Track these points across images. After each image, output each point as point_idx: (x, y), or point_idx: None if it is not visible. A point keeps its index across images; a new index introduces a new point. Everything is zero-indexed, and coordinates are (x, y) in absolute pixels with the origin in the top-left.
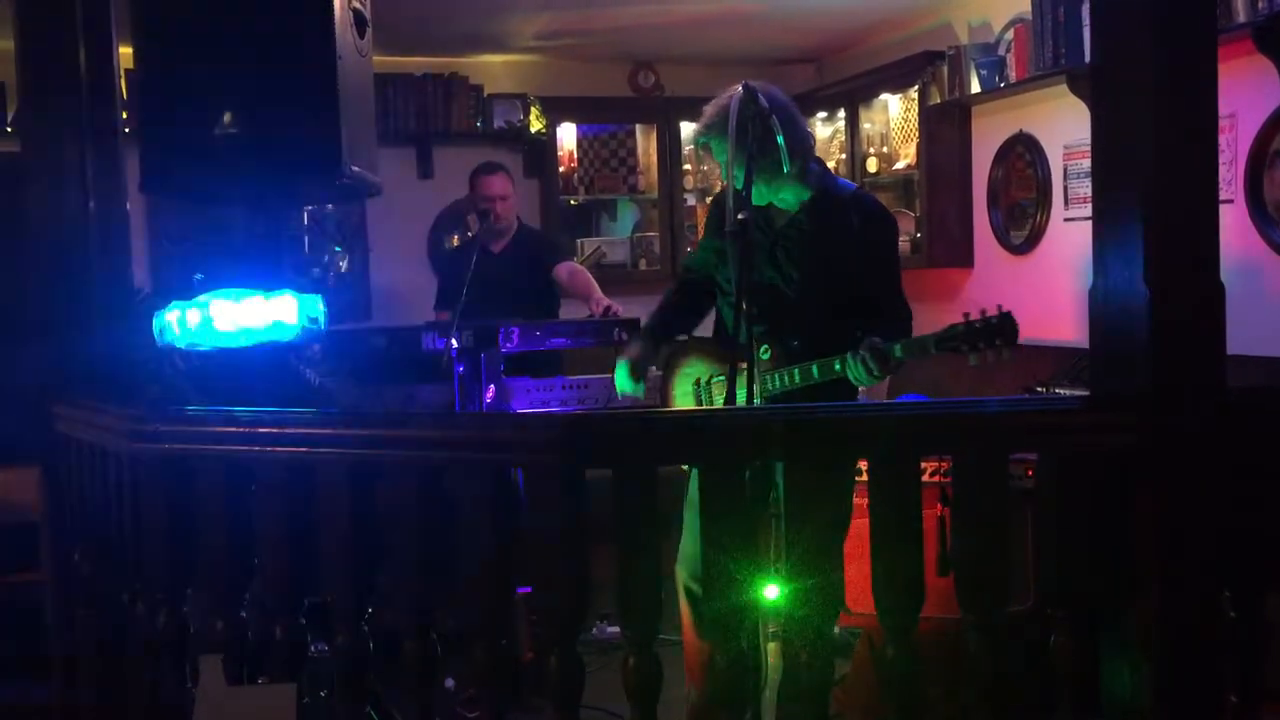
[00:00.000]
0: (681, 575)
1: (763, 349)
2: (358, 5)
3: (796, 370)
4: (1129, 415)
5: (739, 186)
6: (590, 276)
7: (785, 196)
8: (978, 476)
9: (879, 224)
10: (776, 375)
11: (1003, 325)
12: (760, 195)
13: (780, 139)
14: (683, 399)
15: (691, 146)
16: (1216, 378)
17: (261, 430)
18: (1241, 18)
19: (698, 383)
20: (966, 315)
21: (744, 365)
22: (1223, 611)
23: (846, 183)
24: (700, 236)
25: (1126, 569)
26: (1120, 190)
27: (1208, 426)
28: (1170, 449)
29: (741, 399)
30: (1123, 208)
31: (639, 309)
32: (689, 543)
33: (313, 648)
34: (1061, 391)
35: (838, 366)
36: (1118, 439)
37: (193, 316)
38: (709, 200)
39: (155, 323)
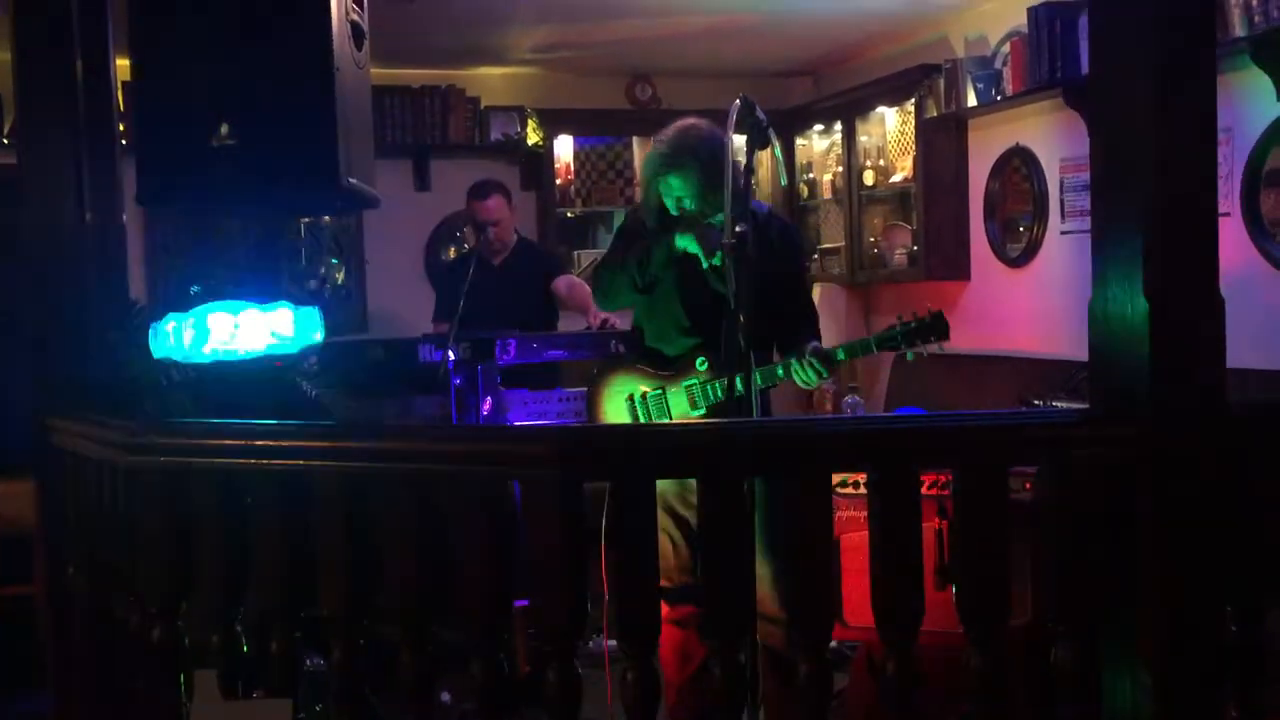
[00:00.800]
0: None
1: (699, 360)
2: (355, 17)
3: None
4: (1129, 428)
5: (730, 201)
6: (589, 289)
7: (720, 217)
8: (978, 489)
9: (793, 238)
10: (718, 385)
11: (935, 323)
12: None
13: (779, 152)
14: (616, 416)
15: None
16: (1217, 391)
17: (257, 443)
18: (1238, 32)
19: (631, 399)
20: (900, 316)
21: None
22: (1224, 625)
23: (760, 203)
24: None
25: (1128, 582)
26: (1119, 203)
27: (1208, 440)
28: (1171, 462)
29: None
30: (1122, 220)
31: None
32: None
33: (308, 661)
34: (1058, 404)
35: (781, 373)
36: (1118, 452)
37: (189, 329)
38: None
39: (151, 335)
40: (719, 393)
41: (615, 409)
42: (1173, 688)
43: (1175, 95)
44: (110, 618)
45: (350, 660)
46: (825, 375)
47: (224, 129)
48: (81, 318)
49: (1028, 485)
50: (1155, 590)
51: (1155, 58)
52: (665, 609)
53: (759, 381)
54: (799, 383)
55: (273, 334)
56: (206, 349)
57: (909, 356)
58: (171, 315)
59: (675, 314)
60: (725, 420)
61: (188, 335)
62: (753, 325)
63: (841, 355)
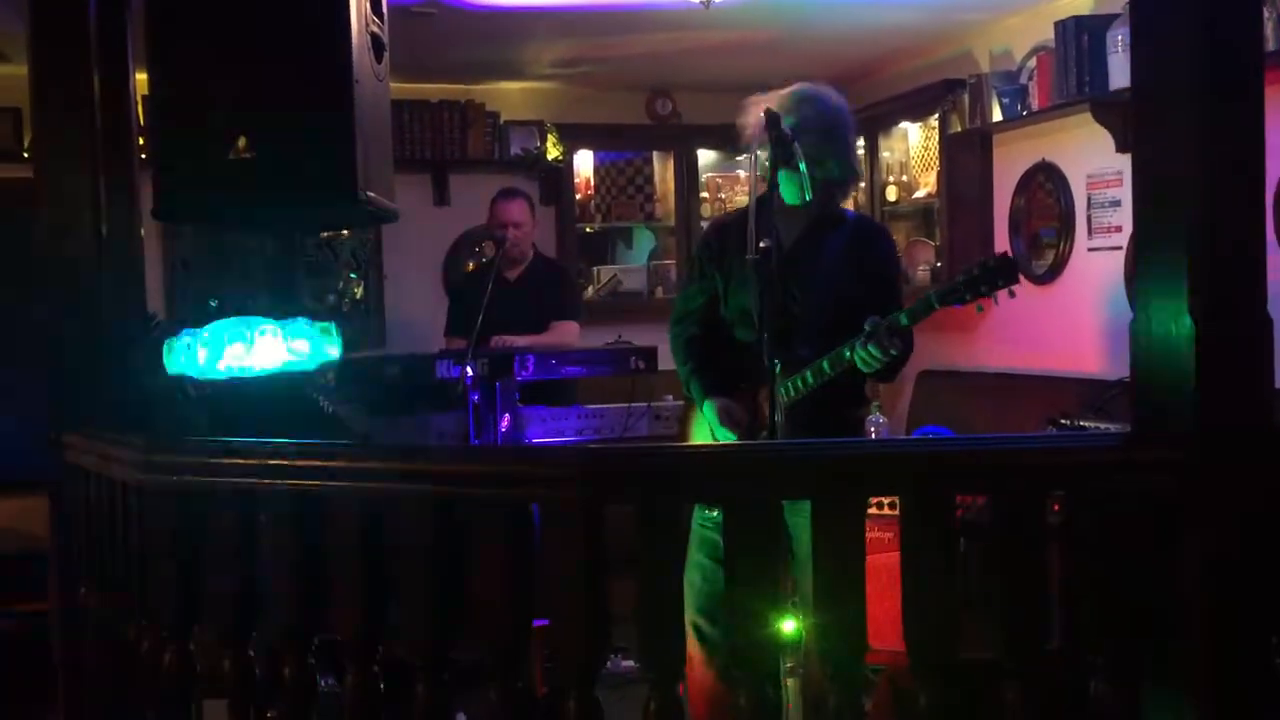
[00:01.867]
0: (687, 613)
1: (774, 364)
2: (375, 29)
3: (809, 371)
4: (1173, 453)
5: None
6: (565, 339)
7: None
8: (1014, 516)
9: (882, 241)
10: (789, 383)
11: (1000, 267)
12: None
13: (803, 166)
14: (702, 436)
15: (709, 175)
16: (1265, 415)
17: (272, 462)
18: (1270, 45)
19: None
20: (962, 268)
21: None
22: (1272, 658)
23: (848, 210)
24: (687, 276)
25: (1171, 613)
26: (1163, 220)
27: (1255, 462)
28: (1216, 488)
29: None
30: (1166, 239)
31: (654, 337)
32: (693, 579)
33: (323, 683)
34: (1086, 424)
35: (847, 354)
36: (1160, 478)
37: (203, 345)
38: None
39: (167, 351)
40: (794, 389)
41: (703, 432)
42: None
43: (1223, 110)
44: (122, 639)
45: (365, 683)
46: (891, 351)
47: (242, 143)
48: (98, 333)
49: (1055, 507)
50: (1199, 620)
51: (1200, 74)
52: (703, 655)
53: (827, 369)
54: (860, 364)
55: (289, 350)
56: (222, 365)
57: (978, 309)
58: (187, 331)
59: (748, 312)
60: (751, 443)
61: (203, 351)
62: (822, 326)
63: (905, 320)
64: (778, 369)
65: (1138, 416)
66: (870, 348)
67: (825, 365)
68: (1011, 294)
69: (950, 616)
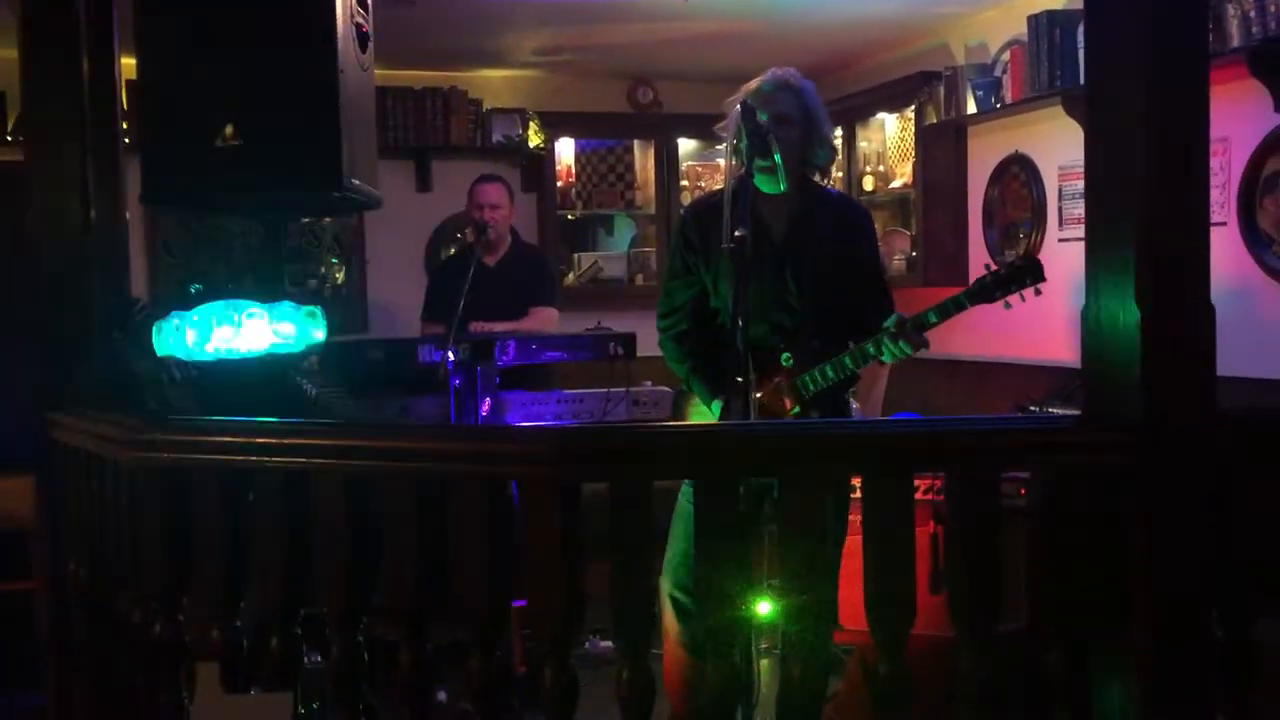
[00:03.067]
0: (665, 585)
1: (784, 356)
2: (360, 19)
3: (829, 366)
4: (1120, 435)
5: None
6: (544, 326)
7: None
8: (969, 494)
9: (863, 221)
10: (809, 377)
11: (1028, 266)
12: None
13: (778, 157)
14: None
15: (690, 163)
16: (1207, 399)
17: (259, 440)
18: (1235, 42)
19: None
20: (987, 266)
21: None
22: (1212, 632)
23: (831, 188)
24: (668, 268)
25: (1118, 588)
26: (1113, 213)
27: (1198, 447)
28: (1160, 470)
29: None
30: (1115, 230)
31: (634, 324)
32: (675, 552)
33: (307, 658)
34: (1054, 411)
35: (872, 350)
36: (1108, 459)
37: (190, 327)
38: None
39: (155, 333)
40: (815, 382)
41: (701, 416)
42: (1161, 694)
43: (1169, 106)
44: (111, 613)
45: (349, 658)
46: (920, 346)
47: (228, 129)
48: (84, 315)
49: (1023, 491)
50: (1143, 596)
51: (1150, 69)
52: (678, 628)
53: (849, 365)
54: (888, 360)
55: (275, 333)
56: (209, 347)
57: (1006, 306)
58: (175, 313)
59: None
60: (719, 424)
61: (191, 333)
62: (825, 315)
63: (934, 318)
64: (789, 361)
65: (1088, 401)
66: (901, 344)
67: (848, 361)
68: (1038, 291)
69: (909, 592)
